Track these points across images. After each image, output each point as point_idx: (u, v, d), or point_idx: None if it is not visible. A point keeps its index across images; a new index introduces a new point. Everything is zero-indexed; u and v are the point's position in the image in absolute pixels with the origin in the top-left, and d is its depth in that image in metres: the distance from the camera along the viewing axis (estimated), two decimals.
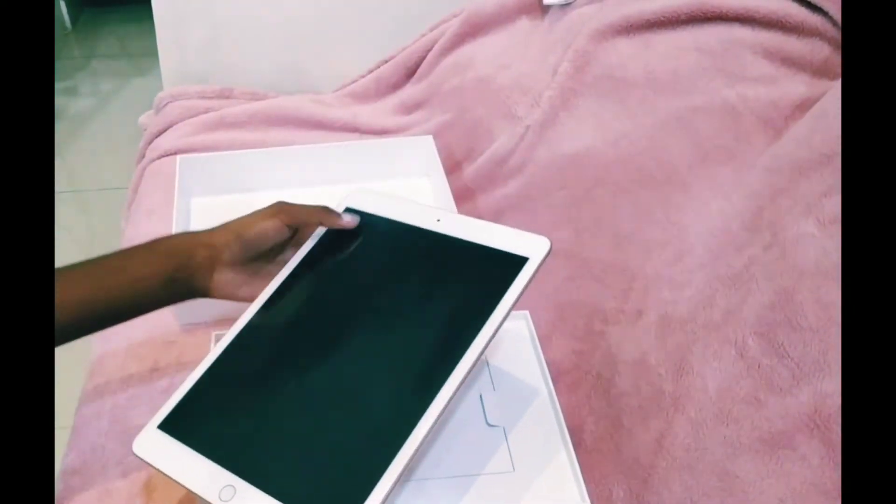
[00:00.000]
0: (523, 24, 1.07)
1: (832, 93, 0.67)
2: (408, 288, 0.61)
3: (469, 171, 1.00)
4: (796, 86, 0.74)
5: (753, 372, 0.59)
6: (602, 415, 0.70)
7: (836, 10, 0.74)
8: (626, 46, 0.86)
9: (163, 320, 0.81)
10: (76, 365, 0.82)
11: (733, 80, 0.77)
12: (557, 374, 0.75)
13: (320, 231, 0.67)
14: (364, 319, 0.60)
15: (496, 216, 0.94)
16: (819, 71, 0.75)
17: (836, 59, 0.75)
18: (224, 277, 0.64)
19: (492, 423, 0.67)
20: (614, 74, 0.86)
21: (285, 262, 0.66)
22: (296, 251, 0.66)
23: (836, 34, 0.75)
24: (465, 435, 0.65)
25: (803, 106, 0.72)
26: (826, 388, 0.55)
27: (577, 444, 0.68)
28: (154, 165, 1.12)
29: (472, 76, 1.06)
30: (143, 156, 1.18)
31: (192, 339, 0.82)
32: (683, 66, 0.80)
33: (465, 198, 0.98)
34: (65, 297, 0.58)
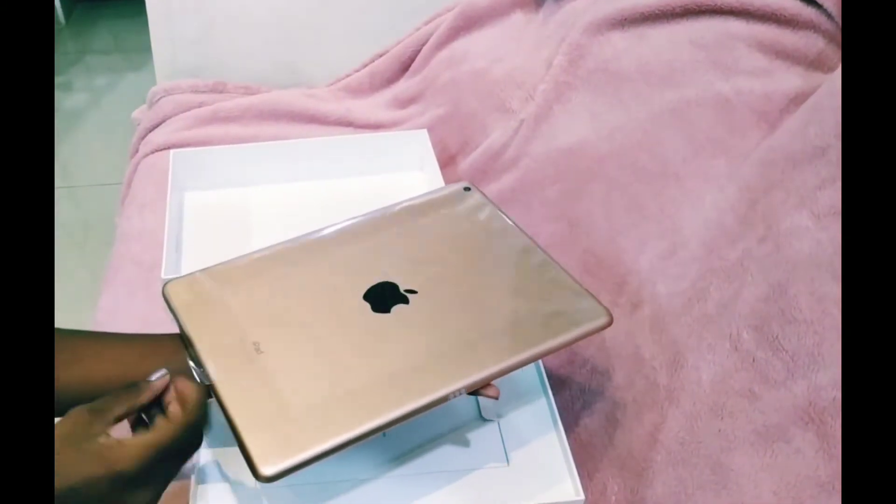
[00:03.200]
0: (517, 17, 1.07)
1: (826, 85, 0.66)
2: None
3: (464, 165, 1.00)
4: (791, 79, 0.74)
5: (748, 365, 0.59)
6: (596, 408, 0.70)
7: (830, 4, 0.74)
8: (620, 40, 0.86)
9: (157, 315, 0.81)
10: None
11: (727, 73, 0.76)
12: (552, 368, 0.75)
13: None
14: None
15: None
16: (813, 64, 0.75)
17: (831, 52, 0.74)
18: None
19: (486, 417, 0.67)
20: (608, 68, 0.86)
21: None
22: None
23: (831, 27, 0.74)
24: (459, 429, 0.65)
25: (798, 99, 0.71)
26: (820, 380, 0.55)
27: (572, 437, 0.68)
28: (147, 160, 1.11)
29: (466, 70, 1.06)
30: (136, 150, 1.18)
31: None
32: (678, 59, 0.80)
33: None
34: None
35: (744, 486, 0.57)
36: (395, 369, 0.56)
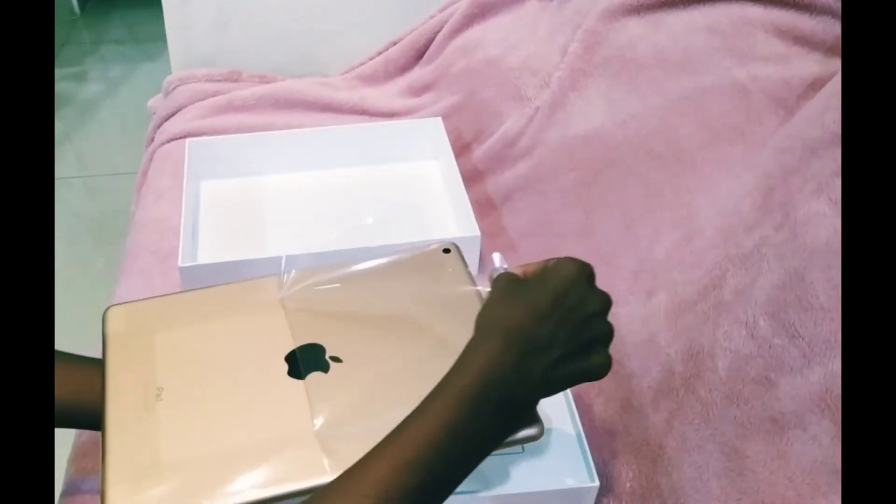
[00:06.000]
0: (532, 4, 1.07)
1: None
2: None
3: (478, 152, 1.00)
4: (808, 65, 0.73)
5: (764, 352, 0.59)
6: (611, 396, 0.70)
7: None
8: (636, 26, 0.85)
9: None
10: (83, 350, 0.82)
11: (744, 59, 0.76)
12: None
13: None
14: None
15: (505, 198, 0.94)
16: (831, 49, 0.74)
17: None
18: None
19: None
20: (624, 55, 0.85)
21: None
22: None
23: None
24: None
25: (815, 85, 0.71)
26: (837, 368, 0.54)
27: (587, 424, 0.68)
28: (163, 149, 1.12)
29: (480, 57, 1.06)
30: (151, 139, 1.18)
31: None
32: (694, 45, 0.80)
33: (474, 180, 0.98)
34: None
35: (759, 472, 0.56)
36: (276, 446, 0.52)
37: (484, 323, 0.51)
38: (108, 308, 0.61)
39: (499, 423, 0.49)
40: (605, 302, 0.52)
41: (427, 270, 0.64)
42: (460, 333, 0.52)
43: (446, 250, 0.66)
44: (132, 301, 0.63)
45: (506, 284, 0.52)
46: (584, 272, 0.52)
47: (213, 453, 0.51)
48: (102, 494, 0.49)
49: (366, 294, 0.62)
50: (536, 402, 0.51)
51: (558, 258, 0.52)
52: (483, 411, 0.47)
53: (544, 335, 0.49)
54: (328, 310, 0.60)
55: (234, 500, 0.49)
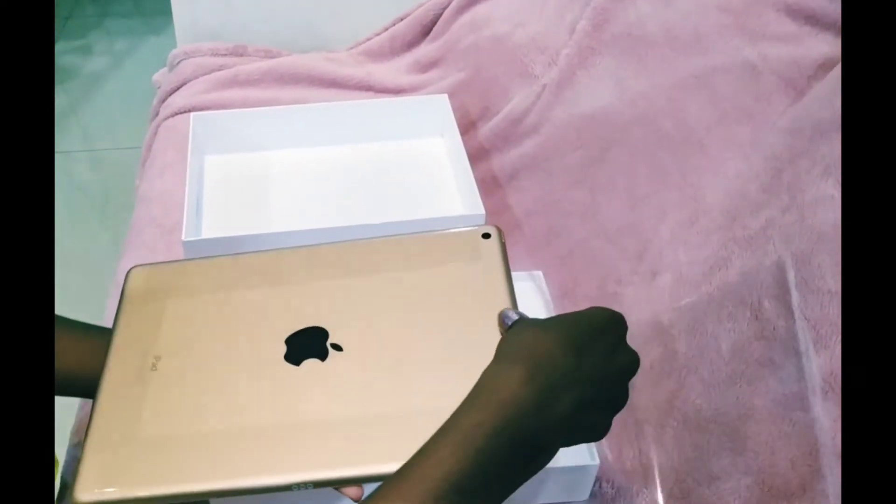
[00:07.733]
0: None
1: None
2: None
3: (484, 130, 0.99)
4: (819, 45, 0.72)
5: (768, 334, 0.59)
6: None
7: None
8: (645, 4, 0.84)
9: None
10: None
11: (755, 38, 0.75)
12: None
13: None
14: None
15: (511, 176, 0.93)
16: None
17: None
18: None
19: None
20: (633, 32, 0.84)
21: None
22: None
23: None
24: None
25: (825, 66, 0.70)
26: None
27: None
28: (168, 123, 1.11)
29: (488, 34, 1.05)
30: (156, 113, 1.18)
31: None
32: (704, 24, 0.79)
33: (479, 157, 0.97)
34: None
35: (761, 453, 0.57)
36: (259, 435, 0.49)
37: (507, 349, 0.45)
38: (131, 268, 0.59)
39: (517, 468, 0.42)
40: (634, 362, 0.46)
41: (459, 256, 0.58)
42: (483, 339, 0.49)
43: (486, 235, 0.58)
44: (156, 263, 0.60)
45: (532, 319, 0.47)
46: (621, 323, 0.47)
47: (195, 434, 0.49)
48: (78, 463, 0.48)
49: (388, 274, 0.57)
50: (557, 447, 0.44)
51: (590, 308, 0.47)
52: (499, 454, 0.41)
53: (574, 368, 0.43)
54: (348, 290, 0.57)
55: (205, 486, 0.47)
